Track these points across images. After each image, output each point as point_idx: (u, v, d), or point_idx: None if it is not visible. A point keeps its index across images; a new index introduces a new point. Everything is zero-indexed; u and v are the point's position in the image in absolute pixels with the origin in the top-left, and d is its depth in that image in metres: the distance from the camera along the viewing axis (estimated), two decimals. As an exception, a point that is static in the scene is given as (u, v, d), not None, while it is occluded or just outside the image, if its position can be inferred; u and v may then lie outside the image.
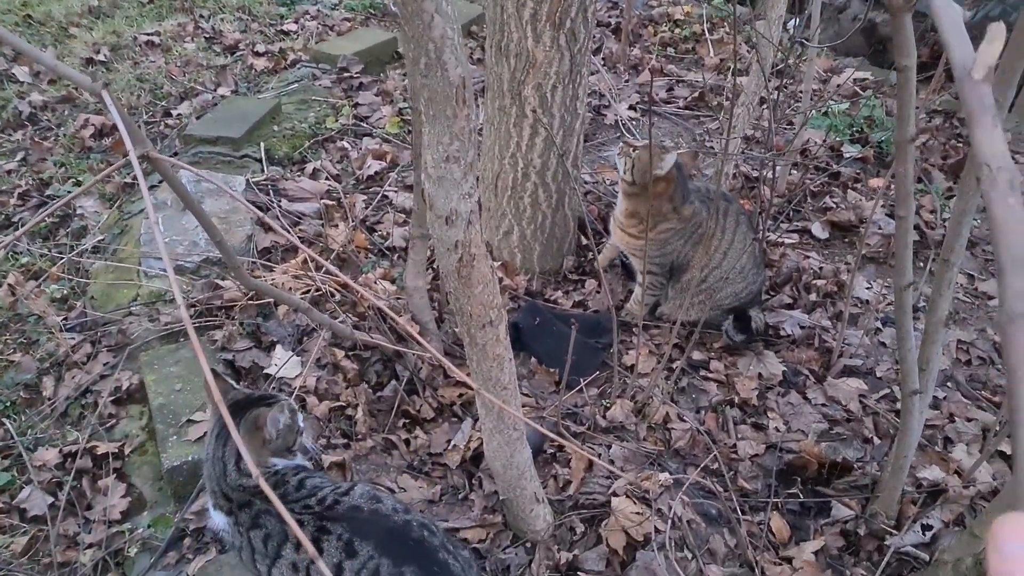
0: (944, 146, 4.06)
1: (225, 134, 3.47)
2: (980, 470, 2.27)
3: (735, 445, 2.43)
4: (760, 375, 2.68)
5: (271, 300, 2.70)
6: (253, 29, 5.23)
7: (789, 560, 2.08)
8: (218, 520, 1.62)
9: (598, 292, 3.00)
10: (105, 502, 2.19)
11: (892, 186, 3.61)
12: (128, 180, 3.46)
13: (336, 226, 3.12)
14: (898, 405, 2.59)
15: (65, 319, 2.67)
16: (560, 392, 2.49)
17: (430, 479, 2.31)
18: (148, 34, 4.95)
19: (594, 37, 4.72)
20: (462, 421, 2.46)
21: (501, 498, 2.06)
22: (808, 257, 3.23)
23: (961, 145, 4.07)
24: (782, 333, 2.86)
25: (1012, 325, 0.39)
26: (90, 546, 2.09)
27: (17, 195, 3.33)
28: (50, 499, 2.19)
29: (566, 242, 3.06)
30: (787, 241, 3.32)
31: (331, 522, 1.51)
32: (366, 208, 3.29)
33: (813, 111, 4.16)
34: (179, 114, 4.09)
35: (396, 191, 3.44)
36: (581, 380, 2.60)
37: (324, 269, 2.88)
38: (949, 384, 2.68)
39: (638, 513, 2.12)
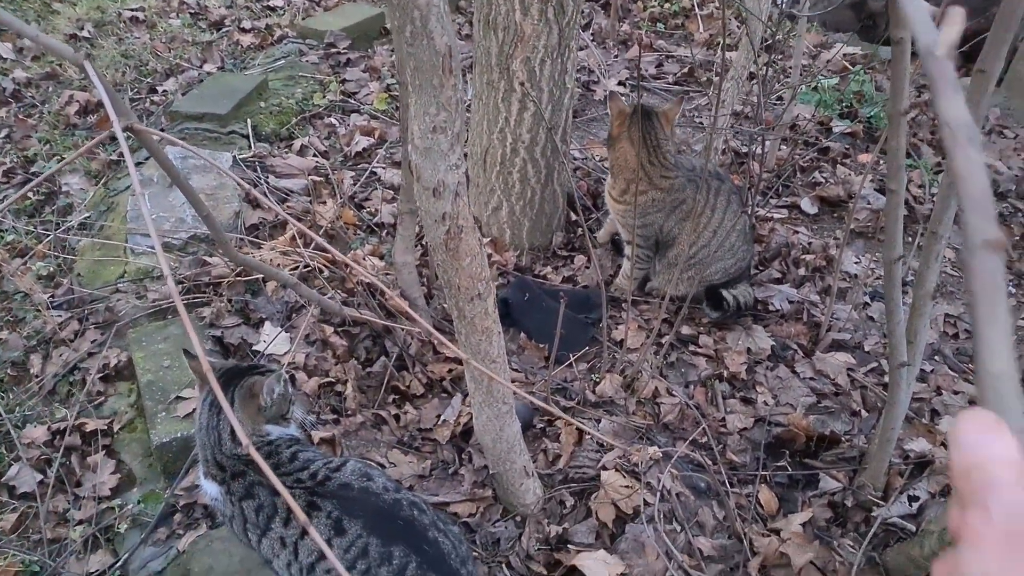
0: (933, 121, 4.06)
1: (211, 110, 3.44)
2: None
3: (724, 419, 2.44)
4: (749, 350, 2.69)
5: (259, 276, 2.69)
6: (239, 5, 5.17)
7: (777, 532, 2.09)
8: (210, 489, 1.61)
9: (587, 268, 3.00)
10: (95, 479, 2.18)
11: (881, 161, 3.62)
12: (114, 157, 3.42)
13: (324, 203, 3.11)
14: (886, 379, 2.60)
15: (52, 297, 2.66)
16: (550, 367, 2.50)
17: (420, 454, 2.31)
18: (132, 10, 4.88)
19: (583, 12, 4.69)
20: (452, 396, 2.47)
21: (491, 472, 2.06)
22: (797, 232, 3.23)
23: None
24: (771, 308, 2.86)
25: (973, 257, 0.43)
26: (80, 522, 2.09)
27: (2, 172, 3.30)
28: (39, 476, 2.18)
29: (555, 218, 3.05)
30: (776, 216, 3.32)
31: (321, 499, 1.51)
32: (354, 185, 3.27)
33: (803, 86, 4.15)
34: (165, 91, 4.05)
35: (384, 168, 3.42)
36: (571, 355, 2.60)
37: (313, 244, 2.87)
38: (936, 357, 2.70)
39: (627, 486, 2.13)
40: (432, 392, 2.51)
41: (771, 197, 3.43)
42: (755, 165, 3.35)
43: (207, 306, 2.58)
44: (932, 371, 2.61)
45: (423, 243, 2.89)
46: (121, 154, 3.38)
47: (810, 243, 3.17)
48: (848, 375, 2.61)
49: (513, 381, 2.51)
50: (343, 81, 4.09)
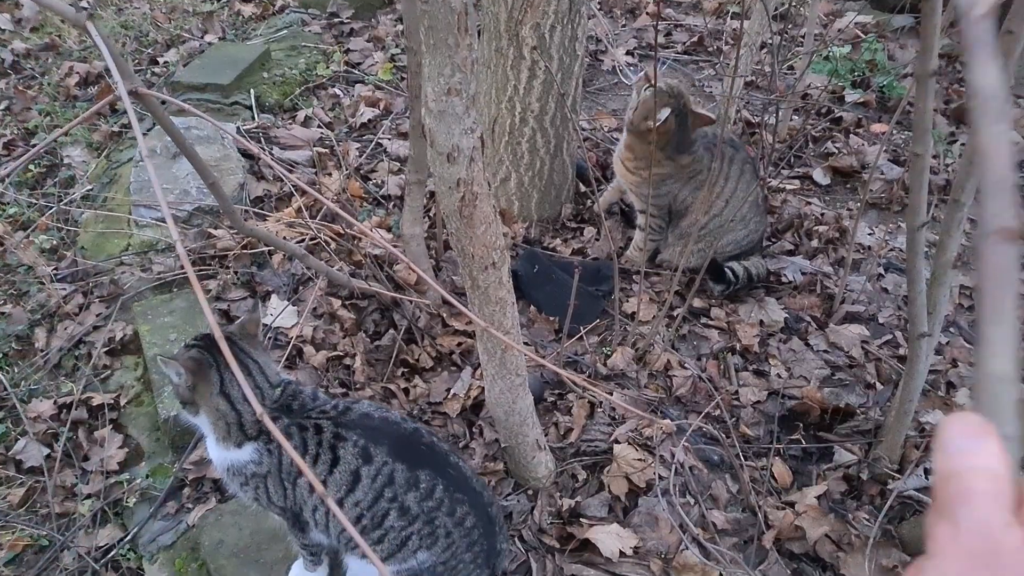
0: (947, 90, 4.00)
1: (214, 81, 3.39)
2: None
3: (737, 392, 2.41)
4: (761, 322, 2.66)
5: (265, 249, 2.65)
6: (240, -26, 5.09)
7: (791, 504, 2.07)
8: (239, 456, 1.56)
9: (597, 240, 2.95)
10: (102, 453, 2.16)
11: (895, 131, 3.57)
12: (115, 129, 3.38)
13: (329, 175, 3.06)
14: (900, 351, 2.57)
15: (56, 270, 2.62)
16: (561, 340, 2.46)
17: (430, 427, 2.29)
18: (132, -21, 4.81)
19: (590, -20, 4.61)
20: (461, 370, 2.44)
21: (503, 446, 2.04)
22: (809, 203, 3.19)
23: (964, 89, 4.01)
24: (783, 279, 2.83)
25: (986, 241, 0.42)
26: (88, 497, 2.07)
27: (2, 145, 3.25)
28: (46, 450, 2.16)
29: (564, 189, 3.01)
30: (788, 187, 3.27)
31: (346, 429, 1.52)
32: (360, 156, 3.22)
33: (815, 55, 4.08)
34: (166, 62, 3.99)
35: (390, 139, 3.37)
36: (581, 328, 2.57)
37: (321, 215, 2.83)
38: (952, 329, 2.66)
39: (640, 460, 2.11)
40: (441, 365, 2.48)
41: (783, 168, 3.38)
42: (767, 135, 3.29)
43: (212, 279, 2.54)
44: (948, 343, 2.58)
45: (431, 215, 2.85)
46: (123, 125, 3.34)
47: (823, 214, 3.12)
48: (862, 347, 2.58)
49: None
50: (347, 51, 4.03)
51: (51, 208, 2.84)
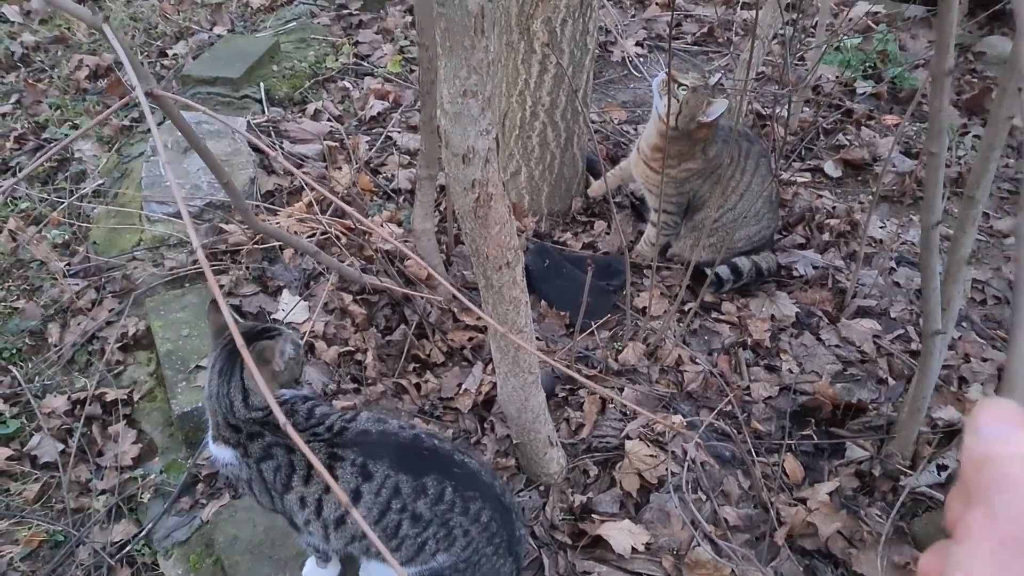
0: (959, 81, 3.97)
1: (224, 74, 3.38)
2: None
3: (748, 387, 2.41)
4: (773, 316, 2.65)
5: (277, 244, 2.66)
6: (248, -36, 5.08)
7: (804, 501, 2.07)
8: (222, 455, 1.58)
9: (608, 233, 2.95)
10: (116, 448, 2.18)
11: (907, 123, 3.54)
12: (126, 123, 3.38)
13: (340, 168, 3.06)
14: (913, 346, 2.57)
15: (68, 265, 2.63)
16: (574, 335, 2.46)
17: (442, 423, 2.29)
18: (140, -29, 4.80)
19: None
20: (472, 365, 2.44)
21: (514, 442, 2.04)
22: (821, 196, 3.17)
23: (976, 80, 3.98)
24: (795, 273, 2.82)
25: None
26: (103, 492, 2.09)
27: (13, 139, 3.26)
28: (60, 446, 2.18)
29: (575, 182, 3.00)
30: (799, 180, 3.25)
31: (342, 448, 1.50)
32: (370, 150, 3.22)
33: (826, 46, 4.05)
34: (175, 54, 4.00)
35: (400, 132, 3.36)
36: (593, 323, 2.57)
37: (331, 210, 2.83)
38: (964, 324, 2.65)
39: (652, 456, 2.11)
40: (452, 360, 2.48)
41: (794, 160, 3.36)
42: (778, 128, 3.28)
43: (225, 274, 2.55)
44: (960, 338, 2.57)
45: (441, 209, 2.85)
46: (133, 120, 3.34)
47: (834, 207, 3.11)
48: (874, 342, 2.57)
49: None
50: (356, 43, 4.02)
51: (63, 203, 2.84)
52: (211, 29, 4.25)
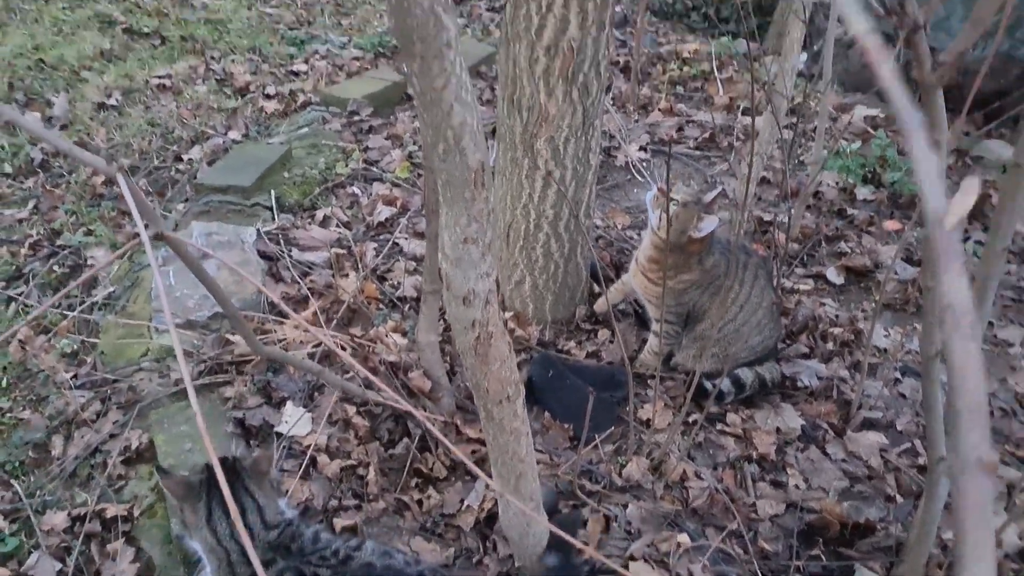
0: (958, 186, 4.02)
1: (236, 182, 3.47)
2: (1007, 530, 2.22)
3: (754, 504, 2.38)
4: (778, 429, 2.64)
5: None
6: (264, 71, 5.27)
7: (813, 628, 2.02)
8: None
9: (611, 342, 2.96)
10: (114, 568, 2.15)
11: (907, 229, 3.59)
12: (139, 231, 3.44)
13: (346, 275, 3.10)
14: (920, 460, 2.54)
15: (75, 376, 2.65)
16: (578, 449, 2.45)
17: (443, 541, 2.26)
18: (160, 77, 4.98)
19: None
20: (475, 480, 2.42)
21: (517, 565, 2.01)
22: (824, 304, 3.19)
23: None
24: (799, 384, 2.81)
25: (964, 475, 0.41)
26: (98, 615, 2.05)
27: (28, 245, 3.33)
28: (58, 565, 2.15)
29: (578, 291, 3.03)
30: (802, 287, 3.28)
31: None
32: (376, 256, 3.27)
33: (825, 150, 4.14)
34: (190, 159, 4.11)
35: (407, 238, 3.42)
36: (596, 436, 2.56)
37: (337, 318, 2.86)
38: (971, 438, 2.62)
39: (657, 579, 2.07)
40: (455, 475, 2.47)
41: (796, 267, 3.40)
42: (780, 234, 3.32)
43: (230, 385, 2.56)
44: (968, 453, 2.54)
45: (446, 318, 2.87)
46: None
47: (837, 316, 3.12)
48: (881, 456, 2.55)
49: (537, 463, 2.47)
50: (365, 149, 4.13)
51: (73, 313, 2.88)
52: (226, 134, 4.38)
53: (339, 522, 2.20)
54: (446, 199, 1.25)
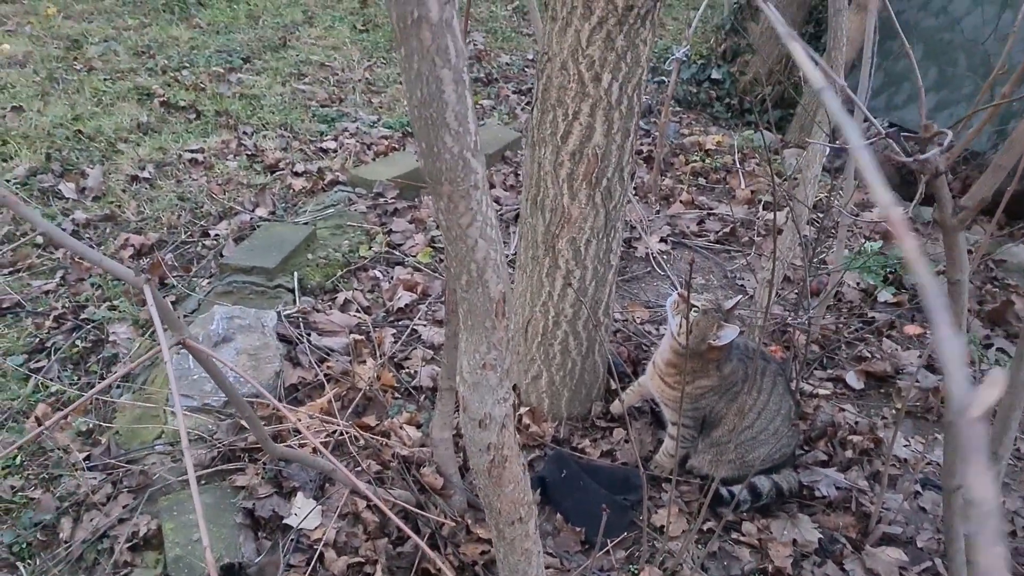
0: (980, 290, 4.02)
1: (260, 264, 3.52)
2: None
3: (769, 622, 2.32)
4: (795, 541, 2.58)
5: (296, 442, 2.67)
6: (294, 147, 5.38)
7: None
8: None
9: (627, 442, 2.93)
10: (112, 662, 2.11)
11: (928, 333, 3.56)
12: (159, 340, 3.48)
13: (364, 362, 3.11)
14: (941, 581, 2.47)
15: (88, 457, 2.65)
16: (592, 554, 2.40)
17: (448, 648, 2.21)
18: (192, 151, 5.09)
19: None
20: (484, 583, 2.38)
21: None
22: (843, 410, 3.15)
23: (998, 290, 4.03)
24: (817, 494, 2.76)
25: None
26: None
27: (53, 318, 3.37)
28: (57, 657, 2.12)
29: (595, 388, 3.02)
30: (821, 392, 3.25)
31: None
32: (395, 343, 3.28)
33: (846, 250, 4.14)
34: (217, 234, 4.17)
35: (426, 324, 3.44)
36: (609, 541, 2.51)
37: (352, 406, 2.86)
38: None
39: None
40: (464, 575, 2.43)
41: (815, 369, 3.37)
42: (800, 336, 3.31)
43: (242, 473, 2.55)
44: (991, 576, 2.47)
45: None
46: (172, 303, 3.44)
47: (857, 423, 3.08)
48: (900, 575, 2.48)
49: (548, 567, 2.42)
50: (389, 231, 4.18)
51: (92, 391, 2.89)
52: (253, 211, 4.46)
53: (343, 624, 2.16)
54: (467, 326, 1.26)
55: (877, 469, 2.85)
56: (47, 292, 3.57)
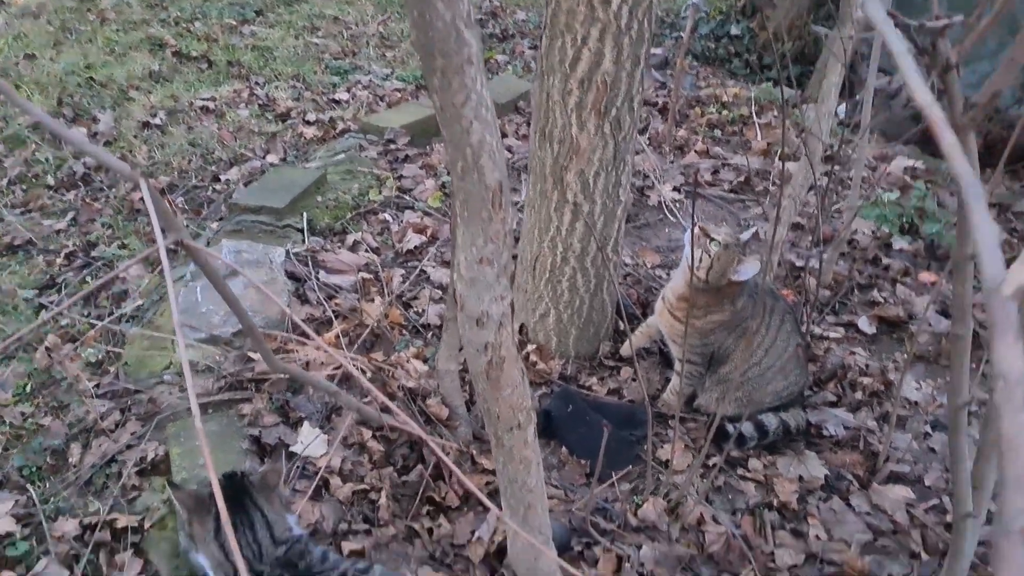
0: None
1: (269, 203, 3.51)
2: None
3: (773, 553, 2.31)
4: (801, 477, 2.57)
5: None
6: (306, 98, 5.35)
7: None
8: None
9: (634, 380, 2.92)
10: (120, 578, 2.14)
11: (944, 281, 3.51)
12: (171, 246, 3.49)
13: (372, 300, 3.11)
14: (948, 518, 2.45)
15: (97, 385, 2.67)
16: (592, 485, 2.40)
17: (452, 572, 2.22)
18: (204, 99, 5.08)
19: (640, 117, 4.74)
20: (487, 512, 2.38)
21: (524, 601, 1.97)
22: (854, 353, 3.12)
23: (1016, 241, 3.96)
24: (825, 433, 2.74)
25: (1007, 540, 0.41)
26: (101, 626, 2.04)
27: (64, 255, 3.38)
28: (66, 573, 2.14)
29: (603, 327, 3.01)
30: (832, 335, 3.22)
31: None
32: (403, 283, 3.27)
33: (861, 200, 4.09)
34: (227, 179, 4.16)
35: (434, 266, 3.43)
36: (613, 474, 2.51)
37: (360, 341, 2.86)
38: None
39: (667, 624, 2.01)
40: (467, 504, 2.43)
41: (827, 314, 3.34)
42: (811, 280, 3.27)
43: (248, 403, 2.56)
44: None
45: (468, 347, 2.86)
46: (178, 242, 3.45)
47: (867, 365, 3.05)
48: (907, 511, 2.47)
49: (552, 498, 2.42)
50: (399, 177, 4.16)
51: (101, 323, 2.91)
52: (264, 157, 4.44)
53: (347, 545, 2.17)
54: (463, 218, 1.24)
55: (887, 410, 2.83)
56: (58, 231, 3.59)
